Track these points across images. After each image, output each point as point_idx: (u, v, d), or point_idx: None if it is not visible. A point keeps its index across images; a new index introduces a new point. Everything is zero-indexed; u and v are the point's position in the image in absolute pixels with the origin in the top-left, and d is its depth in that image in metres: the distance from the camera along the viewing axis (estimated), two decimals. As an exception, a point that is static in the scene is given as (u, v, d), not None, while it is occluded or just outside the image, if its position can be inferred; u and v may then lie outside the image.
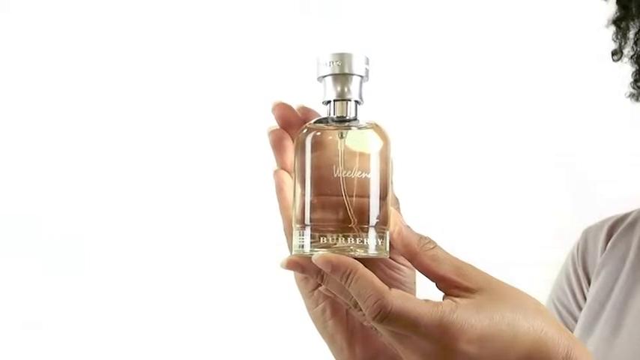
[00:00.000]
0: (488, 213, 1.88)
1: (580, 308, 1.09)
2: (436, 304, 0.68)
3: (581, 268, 1.11)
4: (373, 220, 0.71)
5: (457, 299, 0.69)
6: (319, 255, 0.70)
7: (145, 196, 1.91)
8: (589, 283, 1.09)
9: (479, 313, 0.68)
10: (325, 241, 0.71)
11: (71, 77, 1.91)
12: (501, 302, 0.69)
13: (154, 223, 1.91)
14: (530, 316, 0.69)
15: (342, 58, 0.73)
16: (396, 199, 0.75)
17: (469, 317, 0.67)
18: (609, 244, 1.09)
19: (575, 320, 1.09)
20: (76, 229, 1.90)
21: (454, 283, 0.70)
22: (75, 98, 1.91)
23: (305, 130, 0.72)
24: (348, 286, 0.69)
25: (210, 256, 1.91)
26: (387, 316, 0.67)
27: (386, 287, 0.68)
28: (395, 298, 0.67)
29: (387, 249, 0.72)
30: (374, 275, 0.69)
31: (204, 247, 1.91)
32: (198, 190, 1.91)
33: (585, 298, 1.08)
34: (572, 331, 1.07)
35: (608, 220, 1.12)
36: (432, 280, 0.71)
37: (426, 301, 0.68)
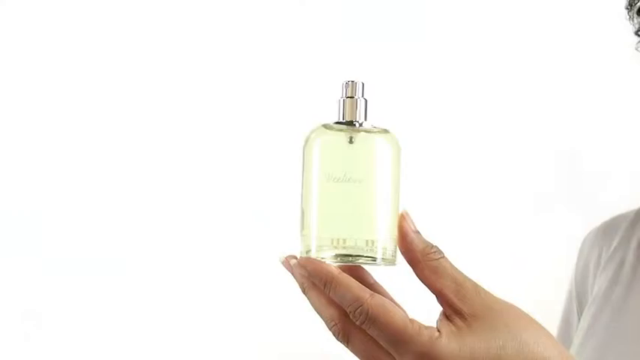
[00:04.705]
0: (488, 213, 1.87)
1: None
2: (419, 328, 0.67)
3: (575, 288, 1.10)
4: (382, 228, 0.70)
5: (443, 327, 0.68)
6: (294, 261, 0.69)
7: (145, 197, 1.91)
8: (580, 305, 1.08)
9: (461, 346, 0.67)
10: (331, 249, 0.70)
11: (70, 77, 1.91)
12: (492, 333, 0.67)
13: (155, 224, 1.91)
14: (529, 347, 0.68)
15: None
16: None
17: (450, 350, 0.66)
18: (607, 256, 1.06)
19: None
20: (76, 229, 1.90)
21: (449, 302, 0.69)
22: (75, 98, 1.91)
23: (313, 134, 0.71)
24: (329, 294, 0.68)
25: (211, 258, 1.90)
26: (372, 322, 0.66)
27: (367, 293, 0.67)
28: (374, 306, 0.67)
29: (396, 258, 0.71)
30: (353, 280, 0.68)
31: (204, 248, 1.90)
32: (198, 191, 1.91)
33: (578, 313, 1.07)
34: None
35: (603, 226, 1.10)
36: (431, 292, 0.70)
37: (411, 320, 0.67)
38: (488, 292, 0.70)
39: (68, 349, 1.91)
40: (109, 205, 1.91)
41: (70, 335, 1.91)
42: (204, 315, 1.91)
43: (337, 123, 0.72)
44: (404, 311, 0.68)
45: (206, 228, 1.91)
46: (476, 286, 0.69)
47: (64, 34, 1.91)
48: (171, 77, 1.91)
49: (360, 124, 0.71)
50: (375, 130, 0.71)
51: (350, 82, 0.72)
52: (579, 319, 1.06)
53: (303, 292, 0.70)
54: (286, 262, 0.70)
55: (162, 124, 1.92)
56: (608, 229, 1.08)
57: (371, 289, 0.68)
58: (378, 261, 0.70)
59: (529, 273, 1.78)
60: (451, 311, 0.68)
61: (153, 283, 1.90)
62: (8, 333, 1.90)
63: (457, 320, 0.68)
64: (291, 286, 0.75)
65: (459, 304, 0.68)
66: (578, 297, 1.08)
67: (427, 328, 0.67)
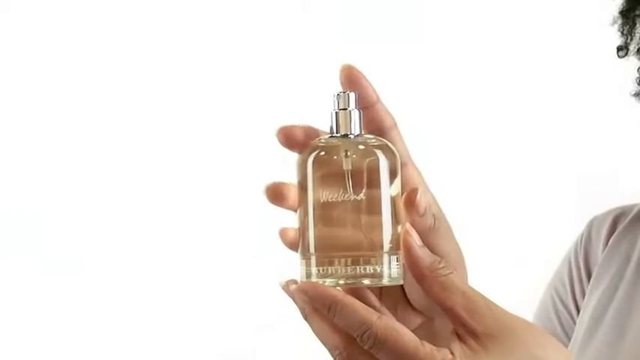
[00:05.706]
0: (492, 212, 1.87)
1: (575, 301, 1.05)
2: (431, 350, 0.64)
3: (583, 259, 1.06)
4: (386, 246, 0.66)
5: (456, 349, 0.65)
6: (295, 285, 0.65)
7: (145, 197, 1.91)
8: (589, 277, 1.05)
9: None
10: (333, 271, 0.66)
11: (71, 77, 1.90)
12: (508, 355, 0.65)
13: (154, 224, 1.90)
14: None
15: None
16: (438, 215, 0.70)
17: None
18: (612, 238, 1.04)
19: (570, 314, 1.05)
20: (76, 229, 1.90)
21: (461, 320, 0.65)
22: (75, 98, 1.91)
23: (307, 150, 0.67)
24: (333, 318, 0.64)
25: (212, 259, 1.90)
26: (381, 346, 0.63)
27: (374, 315, 0.64)
28: (383, 328, 0.63)
29: (402, 276, 0.67)
30: (358, 303, 0.64)
31: (205, 249, 1.90)
32: (198, 191, 1.91)
33: (583, 292, 1.04)
34: (565, 325, 1.05)
35: (614, 211, 1.07)
36: (441, 309, 0.66)
37: (422, 343, 0.64)
38: (500, 307, 0.67)
39: (68, 348, 1.91)
40: (109, 206, 1.90)
41: (69, 335, 1.90)
42: (202, 315, 1.91)
43: (331, 137, 0.68)
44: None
45: (204, 230, 1.91)
46: (487, 301, 0.66)
47: (64, 34, 1.90)
48: (173, 81, 1.91)
49: (355, 137, 0.68)
50: (371, 142, 0.68)
51: (342, 94, 0.68)
52: (586, 287, 1.04)
53: (305, 318, 0.66)
54: (286, 287, 0.67)
55: (163, 126, 1.91)
56: (617, 216, 1.05)
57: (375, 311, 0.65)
58: (384, 280, 0.66)
59: (531, 274, 1.78)
60: (464, 331, 0.65)
61: (152, 284, 1.90)
62: (8, 333, 1.90)
63: (471, 341, 0.65)
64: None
65: (471, 322, 0.65)
66: (586, 267, 1.06)
67: (439, 350, 0.64)
